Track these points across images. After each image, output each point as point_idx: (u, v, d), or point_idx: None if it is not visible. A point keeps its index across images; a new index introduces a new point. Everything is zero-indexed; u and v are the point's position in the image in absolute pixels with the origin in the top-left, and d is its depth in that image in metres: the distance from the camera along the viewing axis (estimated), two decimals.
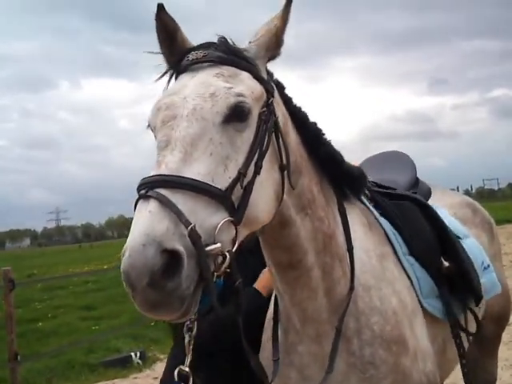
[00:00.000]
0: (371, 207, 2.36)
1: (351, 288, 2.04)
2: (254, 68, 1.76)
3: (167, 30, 1.79)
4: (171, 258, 1.32)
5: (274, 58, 1.86)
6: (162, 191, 1.40)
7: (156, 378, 7.04)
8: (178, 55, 1.77)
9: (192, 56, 1.73)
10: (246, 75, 1.71)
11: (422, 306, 2.27)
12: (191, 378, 1.65)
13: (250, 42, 1.82)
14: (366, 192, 2.39)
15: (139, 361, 8.41)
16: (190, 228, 1.35)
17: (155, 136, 1.63)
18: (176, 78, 1.77)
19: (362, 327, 2.03)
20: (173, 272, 1.32)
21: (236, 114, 1.59)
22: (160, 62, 1.84)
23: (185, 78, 1.71)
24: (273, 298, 2.28)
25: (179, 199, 1.40)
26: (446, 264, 2.54)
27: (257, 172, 1.61)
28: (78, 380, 7.91)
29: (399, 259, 2.27)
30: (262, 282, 2.48)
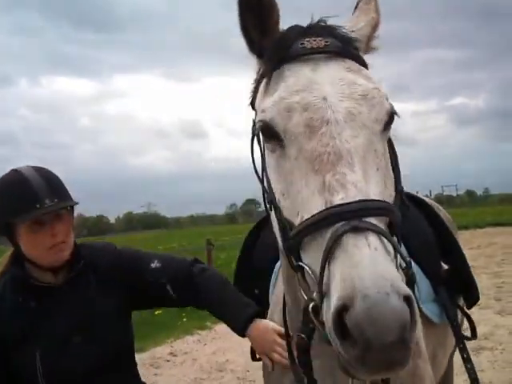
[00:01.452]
0: None
1: None
2: (366, 63, 1.51)
3: (262, 5, 1.46)
4: (409, 306, 1.11)
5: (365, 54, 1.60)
6: (373, 220, 1.21)
7: None
8: (287, 40, 1.46)
9: (309, 43, 1.43)
10: (366, 72, 1.47)
11: (420, 311, 2.11)
12: None
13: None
14: None
15: None
16: (408, 263, 1.27)
17: (286, 140, 1.36)
18: (278, 67, 1.45)
19: None
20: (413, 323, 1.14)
21: (390, 121, 1.41)
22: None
23: (303, 69, 1.41)
24: (279, 309, 1.93)
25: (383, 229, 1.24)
26: (446, 267, 2.42)
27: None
28: None
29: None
30: None
